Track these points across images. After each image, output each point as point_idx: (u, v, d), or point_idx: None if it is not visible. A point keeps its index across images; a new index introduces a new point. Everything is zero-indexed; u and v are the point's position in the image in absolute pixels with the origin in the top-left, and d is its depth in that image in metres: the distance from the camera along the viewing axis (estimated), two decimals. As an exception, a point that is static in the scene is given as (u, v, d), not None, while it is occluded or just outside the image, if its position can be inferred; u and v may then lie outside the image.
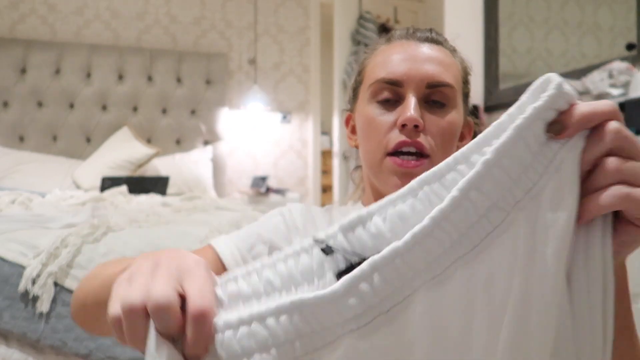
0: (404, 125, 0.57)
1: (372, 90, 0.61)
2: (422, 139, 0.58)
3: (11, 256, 1.26)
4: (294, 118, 3.73)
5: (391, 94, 0.60)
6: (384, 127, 0.59)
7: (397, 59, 0.60)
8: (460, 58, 0.66)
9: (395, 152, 0.59)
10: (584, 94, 1.68)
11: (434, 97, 0.59)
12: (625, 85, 1.55)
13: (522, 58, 2.25)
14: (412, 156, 0.58)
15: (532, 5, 2.19)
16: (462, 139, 0.66)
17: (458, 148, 0.66)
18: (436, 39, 0.63)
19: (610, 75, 1.56)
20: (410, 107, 0.57)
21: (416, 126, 0.57)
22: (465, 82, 0.65)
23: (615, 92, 1.55)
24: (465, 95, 0.65)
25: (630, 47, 1.61)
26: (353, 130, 0.69)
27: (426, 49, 0.61)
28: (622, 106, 1.41)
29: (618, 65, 1.57)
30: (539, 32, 2.13)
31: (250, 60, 3.60)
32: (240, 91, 3.59)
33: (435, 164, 0.56)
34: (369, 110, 0.62)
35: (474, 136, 0.71)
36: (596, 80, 1.60)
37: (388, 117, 0.60)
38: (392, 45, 0.63)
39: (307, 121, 3.77)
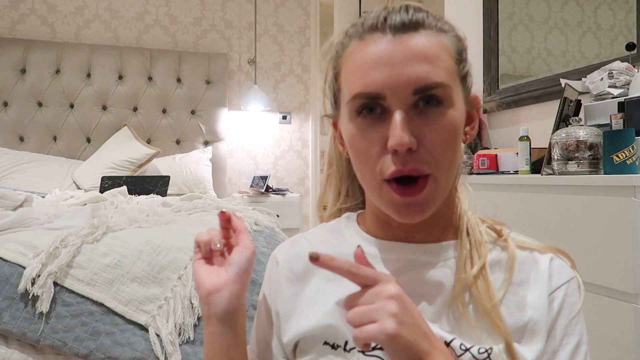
0: (395, 150, 0.48)
1: (352, 107, 0.51)
2: (418, 160, 0.49)
3: (11, 256, 1.26)
4: (294, 118, 3.73)
5: (374, 107, 0.50)
6: (374, 151, 0.50)
7: (372, 64, 0.49)
8: (452, 30, 0.54)
9: (393, 179, 0.50)
10: (584, 93, 1.68)
11: (425, 101, 0.50)
12: (625, 85, 1.54)
13: (522, 58, 2.25)
14: (412, 181, 0.49)
15: (532, 5, 2.18)
16: (471, 121, 0.57)
17: (466, 134, 0.56)
18: (415, 21, 0.50)
19: (610, 75, 1.56)
20: (397, 127, 0.48)
21: (409, 148, 0.48)
22: (461, 61, 0.54)
23: (615, 92, 1.54)
24: (463, 77, 0.54)
25: (630, 47, 1.60)
26: (342, 138, 0.59)
27: (405, 42, 0.49)
28: (622, 106, 1.41)
29: (618, 65, 1.57)
30: (539, 32, 2.13)
31: (250, 60, 3.60)
32: (240, 91, 3.59)
33: (441, 175, 0.50)
34: (352, 128, 0.52)
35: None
36: (596, 80, 1.60)
37: (376, 137, 0.50)
38: (365, 43, 0.51)
39: (307, 121, 3.77)
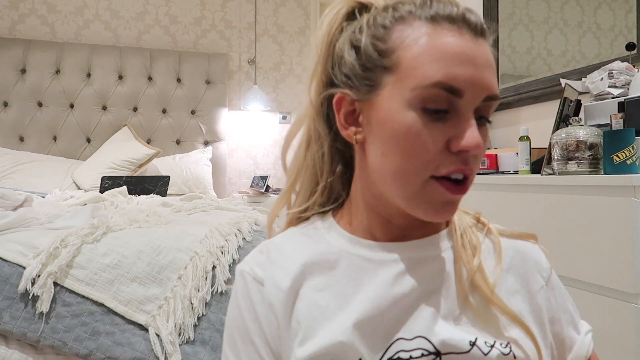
0: (461, 150, 0.47)
1: (423, 96, 0.46)
2: (474, 162, 0.49)
3: (11, 256, 1.26)
4: (294, 118, 3.73)
5: (445, 103, 0.47)
6: (434, 146, 0.47)
7: (458, 57, 0.46)
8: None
9: (444, 177, 0.48)
10: (584, 93, 1.68)
11: (484, 112, 0.49)
12: (625, 85, 1.54)
13: (522, 58, 2.25)
14: (459, 180, 0.49)
15: (532, 5, 2.18)
16: None
17: None
18: (484, 28, 0.49)
19: (610, 75, 1.56)
20: (475, 129, 0.47)
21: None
22: None
23: (615, 92, 1.54)
24: None
25: (630, 47, 1.60)
26: (349, 119, 0.54)
27: (482, 47, 0.48)
28: (622, 106, 1.41)
29: (618, 65, 1.57)
30: (539, 32, 2.13)
31: (250, 60, 3.60)
32: (240, 91, 3.59)
33: (473, 176, 0.50)
34: (410, 118, 0.47)
35: None
36: (596, 80, 1.60)
37: (438, 133, 0.47)
38: (445, 31, 0.47)
39: (307, 121, 3.76)
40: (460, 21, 0.47)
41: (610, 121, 1.43)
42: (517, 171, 1.76)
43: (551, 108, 1.96)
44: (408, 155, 0.48)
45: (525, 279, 0.55)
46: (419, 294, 0.51)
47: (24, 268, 1.23)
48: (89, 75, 3.16)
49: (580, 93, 1.67)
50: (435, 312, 0.50)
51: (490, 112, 0.50)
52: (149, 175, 2.79)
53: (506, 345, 0.49)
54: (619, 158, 1.25)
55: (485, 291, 0.51)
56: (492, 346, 0.48)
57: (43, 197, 2.22)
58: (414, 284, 0.51)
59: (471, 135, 0.46)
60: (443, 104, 0.47)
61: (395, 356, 0.48)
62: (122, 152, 2.82)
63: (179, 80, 3.33)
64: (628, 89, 1.53)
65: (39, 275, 1.22)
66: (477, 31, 0.48)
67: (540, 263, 0.57)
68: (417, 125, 0.47)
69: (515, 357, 0.48)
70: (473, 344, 0.48)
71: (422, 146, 0.47)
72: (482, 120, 0.50)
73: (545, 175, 1.47)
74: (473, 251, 0.53)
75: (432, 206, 0.49)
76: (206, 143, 3.38)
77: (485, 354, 0.48)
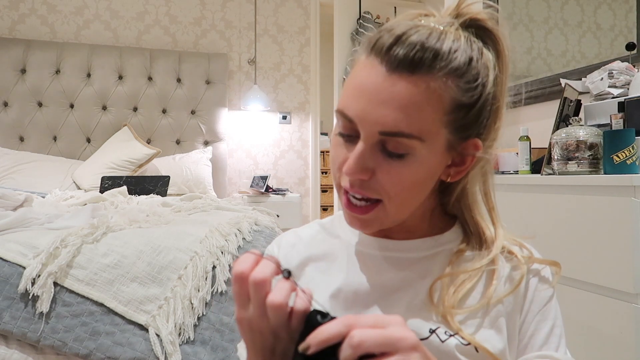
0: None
1: (337, 118, 0.53)
2: (366, 187, 0.51)
3: (11, 256, 1.26)
4: (294, 118, 3.73)
5: (348, 129, 0.52)
6: (338, 163, 0.53)
7: (357, 89, 0.50)
8: (472, 71, 0.50)
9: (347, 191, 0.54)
10: (584, 93, 1.68)
11: (389, 146, 0.50)
12: (625, 85, 1.54)
13: (522, 58, 2.24)
14: (360, 201, 0.53)
15: (532, 5, 2.18)
16: (462, 163, 0.57)
17: (449, 174, 0.56)
18: (416, 61, 0.48)
19: (610, 75, 1.56)
20: (353, 157, 0.50)
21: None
22: (458, 110, 0.50)
23: (615, 92, 1.55)
24: (460, 126, 0.51)
25: (630, 47, 1.61)
26: None
27: (393, 83, 0.48)
28: (622, 106, 1.41)
29: (618, 65, 1.57)
30: (539, 32, 2.13)
31: (250, 60, 3.60)
32: (240, 91, 3.59)
33: (393, 205, 0.51)
34: (333, 135, 0.55)
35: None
36: (596, 80, 1.60)
37: (343, 152, 0.53)
38: (366, 63, 0.50)
39: (307, 121, 3.77)
40: (384, 54, 0.49)
41: (610, 121, 1.43)
42: (517, 171, 1.76)
43: (551, 108, 1.96)
44: (330, 164, 0.56)
45: (517, 293, 0.57)
46: (394, 287, 0.56)
47: (24, 268, 1.23)
48: (89, 75, 3.16)
49: (580, 93, 1.67)
50: (407, 302, 0.55)
51: (402, 148, 0.50)
52: (149, 175, 2.79)
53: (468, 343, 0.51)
54: (619, 158, 1.25)
55: (452, 325, 0.52)
56: (451, 335, 0.51)
57: (43, 197, 2.22)
58: (393, 279, 0.57)
59: (348, 162, 0.51)
60: (346, 130, 0.52)
61: None
62: (122, 152, 2.82)
63: (179, 80, 3.33)
64: (628, 89, 1.53)
65: (39, 275, 1.22)
66: (394, 65, 0.48)
67: (529, 286, 0.57)
68: (334, 141, 0.55)
69: (477, 351, 0.51)
70: (432, 332, 0.52)
71: (333, 159, 0.55)
72: (391, 154, 0.50)
73: (545, 175, 1.46)
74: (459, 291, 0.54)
75: (344, 213, 0.55)
76: (206, 143, 3.38)
77: (442, 341, 0.51)
